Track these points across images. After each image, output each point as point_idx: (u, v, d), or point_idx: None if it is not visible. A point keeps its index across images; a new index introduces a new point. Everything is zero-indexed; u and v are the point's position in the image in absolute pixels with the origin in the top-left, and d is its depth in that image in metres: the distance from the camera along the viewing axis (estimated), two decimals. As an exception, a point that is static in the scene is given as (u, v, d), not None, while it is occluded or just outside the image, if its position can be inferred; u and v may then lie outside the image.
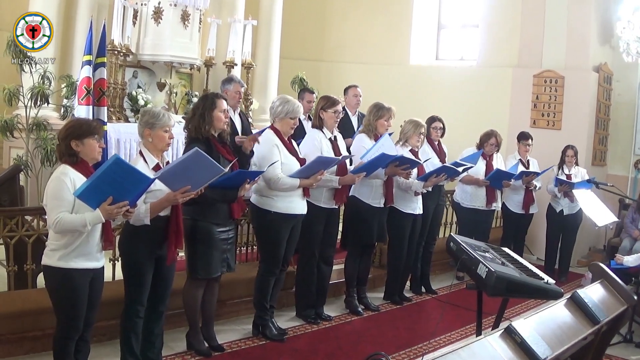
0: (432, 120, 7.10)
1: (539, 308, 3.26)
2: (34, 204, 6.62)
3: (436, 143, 7.13)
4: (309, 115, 7.40)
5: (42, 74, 6.86)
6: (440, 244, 7.30)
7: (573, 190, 8.03)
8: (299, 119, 5.69)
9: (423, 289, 7.37)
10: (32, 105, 6.82)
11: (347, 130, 7.02)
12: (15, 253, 4.97)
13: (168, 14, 8.39)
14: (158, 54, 8.48)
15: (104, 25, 6.97)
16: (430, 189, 6.60)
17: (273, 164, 5.14)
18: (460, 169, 6.78)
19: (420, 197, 6.64)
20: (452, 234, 4.80)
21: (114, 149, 7.01)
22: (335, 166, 5.67)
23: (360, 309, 6.42)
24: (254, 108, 9.44)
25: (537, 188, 8.26)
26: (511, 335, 2.69)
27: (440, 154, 7.08)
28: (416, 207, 6.63)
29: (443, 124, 7.14)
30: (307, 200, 5.54)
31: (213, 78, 9.18)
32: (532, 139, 8.33)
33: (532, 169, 8.21)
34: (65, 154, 3.83)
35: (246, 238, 6.39)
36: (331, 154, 5.69)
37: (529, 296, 4.84)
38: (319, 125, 5.81)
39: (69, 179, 3.71)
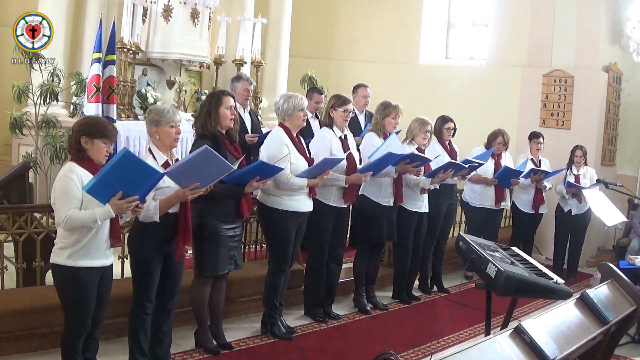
0: (444, 120, 7.05)
1: (548, 308, 3.24)
2: (42, 201, 6.64)
3: (447, 143, 7.10)
4: (315, 114, 7.38)
5: (52, 71, 6.88)
6: (449, 243, 7.28)
7: (582, 190, 8.00)
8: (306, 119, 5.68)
9: (435, 288, 7.37)
10: (42, 102, 6.84)
11: (354, 128, 7.01)
12: (24, 250, 4.99)
13: (178, 11, 8.41)
14: (167, 52, 8.49)
15: (114, 22, 7.01)
16: (437, 185, 6.58)
17: (284, 157, 5.11)
18: (467, 165, 6.76)
19: (426, 195, 6.63)
20: (461, 233, 4.79)
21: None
22: (345, 165, 5.66)
23: (368, 308, 6.41)
24: (263, 106, 9.44)
25: (547, 189, 8.22)
26: (520, 335, 2.68)
27: (451, 154, 7.03)
28: (422, 205, 6.61)
29: (455, 125, 7.12)
30: (317, 199, 5.55)
31: (222, 76, 9.18)
32: (543, 138, 8.28)
33: (543, 168, 8.17)
34: (73, 147, 3.84)
35: (255, 236, 6.38)
36: (341, 152, 5.68)
37: (538, 296, 4.82)
38: (328, 123, 5.79)
39: (76, 176, 3.71)
